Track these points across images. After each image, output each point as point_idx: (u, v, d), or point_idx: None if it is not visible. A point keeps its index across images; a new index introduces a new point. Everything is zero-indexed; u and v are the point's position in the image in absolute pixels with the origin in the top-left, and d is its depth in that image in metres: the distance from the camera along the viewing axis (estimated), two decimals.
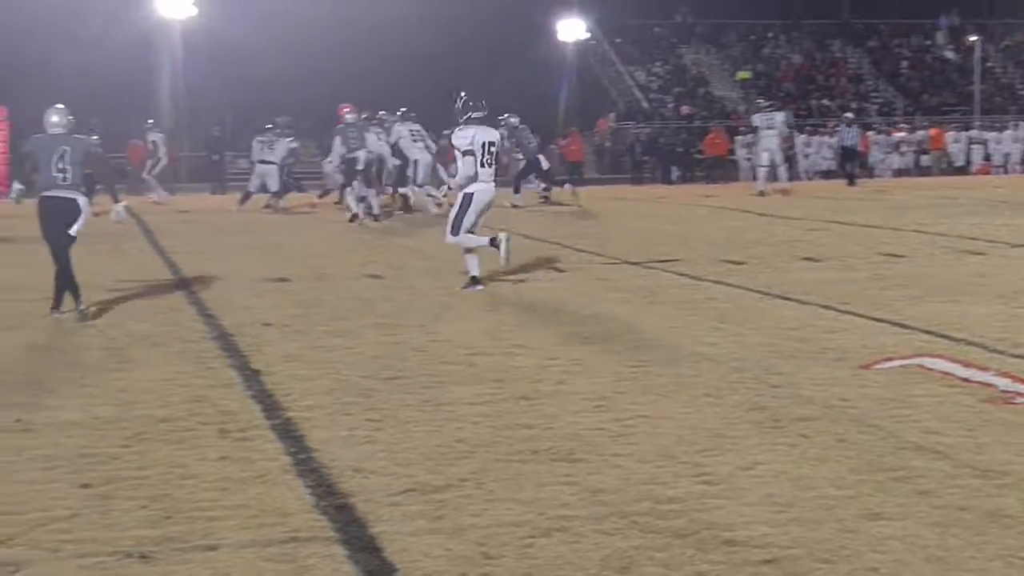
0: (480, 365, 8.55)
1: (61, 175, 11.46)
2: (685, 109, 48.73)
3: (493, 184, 13.09)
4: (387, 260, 15.65)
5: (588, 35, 50.33)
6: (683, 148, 43.67)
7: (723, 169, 41.68)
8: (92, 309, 11.47)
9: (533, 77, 45.99)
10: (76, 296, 11.44)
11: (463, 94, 13.31)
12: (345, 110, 24.02)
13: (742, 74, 52.33)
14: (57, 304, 11.40)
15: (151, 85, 44.30)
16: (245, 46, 42.39)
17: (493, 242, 12.88)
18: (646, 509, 5.31)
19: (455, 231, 12.89)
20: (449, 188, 22.40)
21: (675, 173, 42.44)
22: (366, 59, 44.64)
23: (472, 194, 12.84)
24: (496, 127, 13.56)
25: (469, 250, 13.00)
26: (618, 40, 53.04)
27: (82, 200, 11.60)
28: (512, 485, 5.67)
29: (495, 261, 12.91)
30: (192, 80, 43.27)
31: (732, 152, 42.44)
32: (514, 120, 27.87)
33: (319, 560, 4.74)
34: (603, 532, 5.02)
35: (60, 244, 11.53)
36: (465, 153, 12.82)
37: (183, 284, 13.48)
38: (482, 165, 12.83)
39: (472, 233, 12.96)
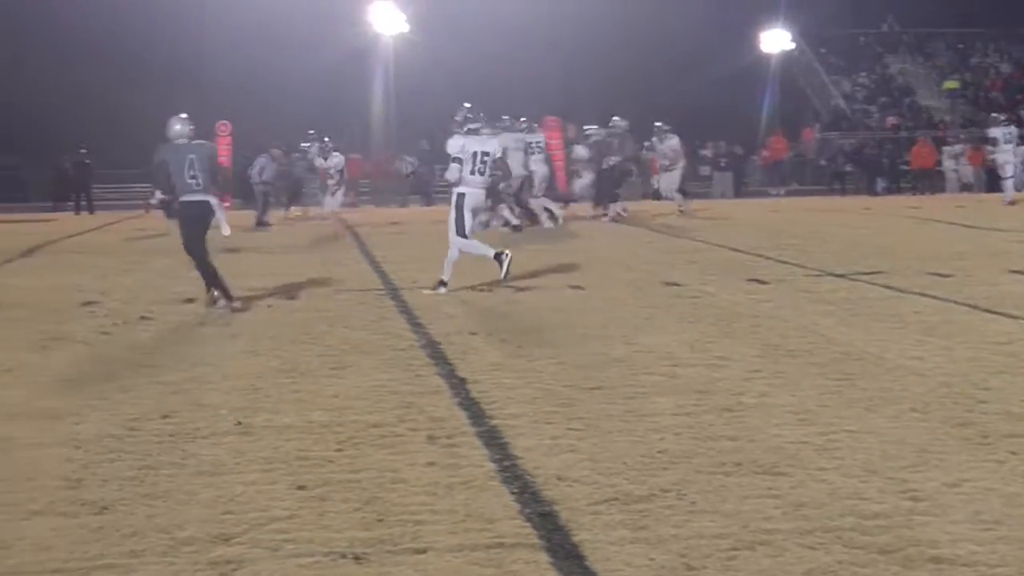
0: (682, 376, 8.52)
1: (193, 181, 12.58)
2: (891, 120, 47.74)
3: (483, 191, 14.16)
4: (589, 271, 15.67)
5: (793, 45, 49.67)
6: (888, 159, 42.82)
7: (929, 180, 40.76)
8: (238, 304, 12.62)
9: (734, 86, 45.61)
10: (226, 292, 12.65)
11: (466, 105, 14.49)
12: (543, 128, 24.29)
13: (949, 83, 51.04)
14: (228, 296, 12.60)
15: (364, 100, 45.21)
16: (454, 60, 42.93)
17: (500, 255, 13.66)
18: (850, 524, 5.23)
19: (459, 231, 13.81)
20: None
21: (880, 184, 41.64)
22: (571, 68, 44.86)
23: (464, 194, 13.83)
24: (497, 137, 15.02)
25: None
26: (823, 50, 52.25)
27: (214, 201, 12.70)
28: (714, 497, 5.64)
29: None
30: (403, 94, 44.01)
31: (939, 163, 41.48)
32: (623, 123, 27.45)
33: (524, 566, 4.79)
34: (807, 547, 4.97)
35: (198, 245, 12.60)
36: (453, 159, 13.81)
37: (393, 293, 13.71)
38: (472, 172, 13.77)
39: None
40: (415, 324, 11.30)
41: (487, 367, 8.94)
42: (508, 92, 42.35)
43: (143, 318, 12.09)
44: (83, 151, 37.30)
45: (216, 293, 12.70)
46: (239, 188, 33.95)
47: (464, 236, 13.84)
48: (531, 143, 24.77)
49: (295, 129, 35.00)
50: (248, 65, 44.85)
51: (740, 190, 41.80)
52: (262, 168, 29.96)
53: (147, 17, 47.18)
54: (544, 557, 4.88)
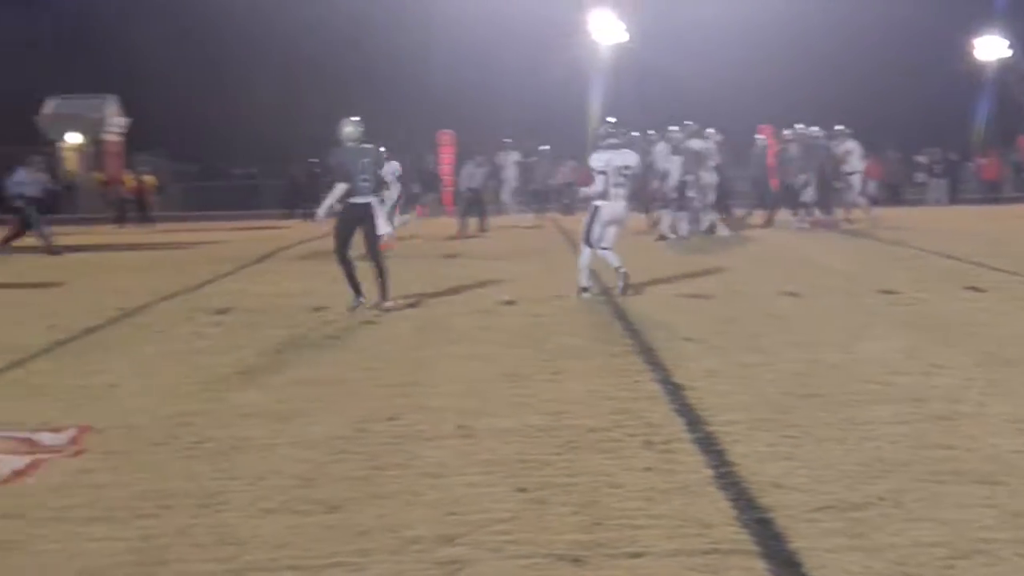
0: (897, 384, 8.32)
1: (365, 184, 13.07)
2: None
3: (623, 203, 14.27)
4: (803, 278, 15.44)
5: (1010, 52, 48.15)
6: None
7: None
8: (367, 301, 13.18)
9: (950, 93, 44.50)
10: (357, 290, 13.21)
11: (609, 120, 14.77)
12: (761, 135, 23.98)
13: None
14: (384, 295, 13.15)
15: (582, 107, 45.38)
16: (672, 69, 42.76)
17: (585, 290, 14.04)
18: None
19: (587, 240, 14.14)
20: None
21: None
22: (785, 75, 44.29)
23: (599, 207, 14.08)
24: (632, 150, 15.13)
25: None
26: None
27: (375, 201, 13.19)
28: (931, 505, 5.50)
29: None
30: (622, 102, 44.00)
31: None
32: (805, 132, 26.78)
33: (740, 573, 4.74)
34: None
35: (345, 245, 13.17)
36: (599, 173, 14.08)
37: (608, 299, 13.72)
38: (614, 185, 13.99)
39: (606, 248, 14.17)
40: (630, 330, 11.28)
41: (702, 373, 8.88)
42: (722, 100, 42.09)
43: (368, 323, 12.34)
44: (314, 161, 38.37)
45: (376, 294, 13.24)
46: (456, 196, 34.48)
47: (590, 245, 14.10)
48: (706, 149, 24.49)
49: (515, 136, 35.29)
50: (469, 74, 45.42)
51: (955, 197, 40.69)
52: (470, 175, 30.28)
53: (373, 32, 48.20)
54: (761, 564, 4.83)
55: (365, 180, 13.11)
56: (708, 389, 8.28)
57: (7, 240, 25.04)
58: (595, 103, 45.43)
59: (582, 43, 45.18)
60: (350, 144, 13.26)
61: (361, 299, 13.18)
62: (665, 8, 44.69)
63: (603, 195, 14.06)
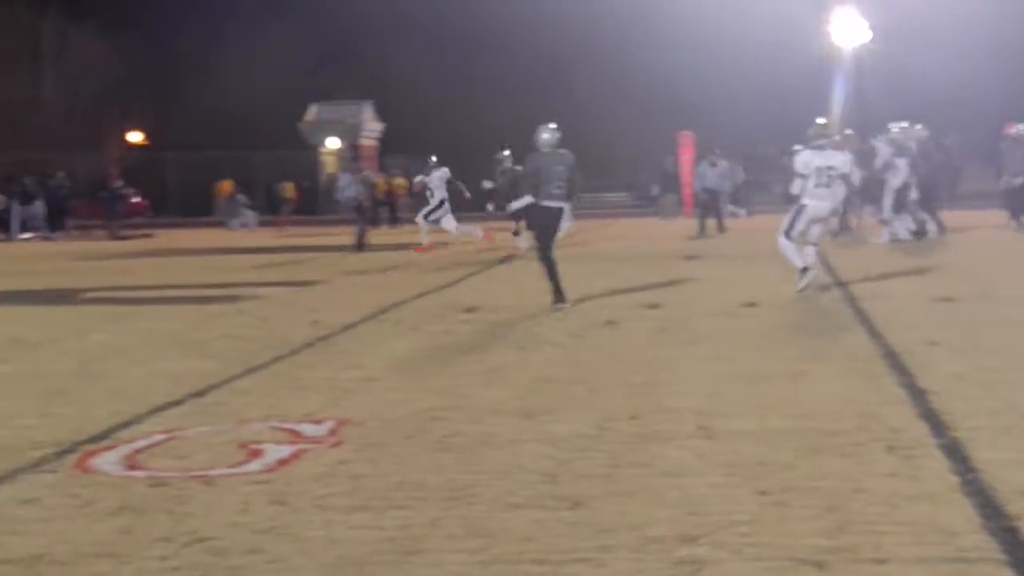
0: None
1: (559, 190, 13.51)
2: None
3: (827, 203, 14.47)
4: None
5: None
6: None
7: None
8: (567, 305, 13.53)
9: None
10: (559, 291, 13.56)
11: (819, 121, 14.84)
12: (1011, 129, 23.27)
13: None
14: (559, 298, 13.51)
15: (823, 108, 44.63)
16: (917, 69, 41.64)
17: (805, 270, 14.10)
18: None
19: (787, 234, 14.36)
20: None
21: None
22: None
23: (804, 206, 14.29)
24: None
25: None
26: None
27: (567, 207, 13.77)
28: None
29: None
30: (865, 104, 43.00)
31: None
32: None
33: None
34: None
35: (548, 244, 13.60)
36: (798, 175, 14.29)
37: (852, 302, 13.43)
38: (816, 185, 14.17)
39: (798, 242, 14.42)
40: (874, 333, 11.00)
41: (948, 377, 8.58)
42: (972, 100, 40.80)
43: (609, 322, 12.34)
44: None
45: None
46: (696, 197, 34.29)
47: (788, 238, 14.28)
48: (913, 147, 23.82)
49: (758, 137, 34.88)
50: (709, 75, 45.10)
51: None
52: (702, 175, 30.04)
53: (614, 34, 48.35)
54: (1009, 573, 4.64)
55: (559, 187, 13.55)
56: (953, 393, 8.00)
57: (361, 243, 26.55)
58: (837, 103, 44.54)
59: (824, 43, 44.35)
60: (546, 150, 13.61)
61: (565, 304, 13.45)
62: (910, 6, 43.51)
63: (805, 195, 14.21)
